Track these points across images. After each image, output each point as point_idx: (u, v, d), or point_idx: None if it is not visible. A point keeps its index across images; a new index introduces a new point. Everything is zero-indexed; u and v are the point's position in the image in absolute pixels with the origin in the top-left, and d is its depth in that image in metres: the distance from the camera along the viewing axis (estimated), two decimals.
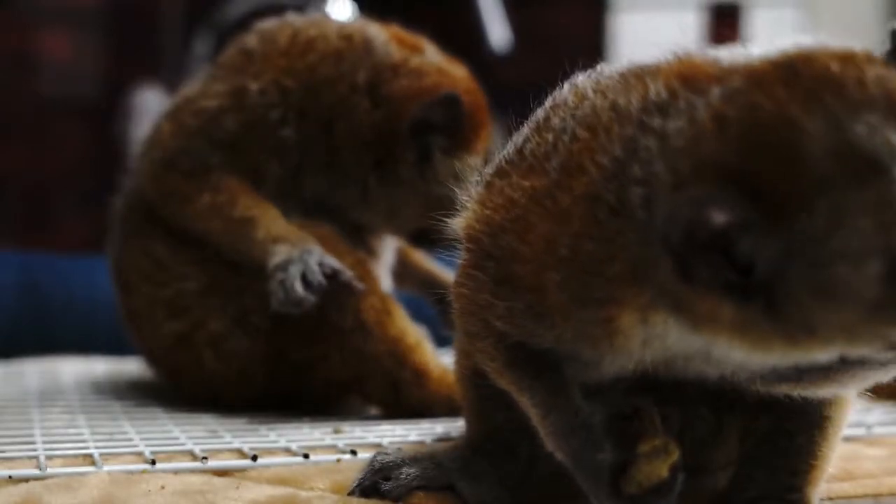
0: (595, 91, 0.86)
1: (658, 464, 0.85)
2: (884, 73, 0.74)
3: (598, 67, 0.93)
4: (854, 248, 0.70)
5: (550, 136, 0.87)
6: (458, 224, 0.94)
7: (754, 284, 0.73)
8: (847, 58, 0.75)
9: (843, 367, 0.80)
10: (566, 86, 0.93)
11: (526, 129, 0.93)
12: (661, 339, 0.81)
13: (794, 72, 0.74)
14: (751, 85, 0.75)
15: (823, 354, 0.77)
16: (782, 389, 0.87)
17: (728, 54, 0.81)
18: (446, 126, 1.51)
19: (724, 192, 0.71)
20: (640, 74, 0.85)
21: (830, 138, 0.70)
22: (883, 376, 0.84)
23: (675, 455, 0.85)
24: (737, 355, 0.79)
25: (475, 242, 0.90)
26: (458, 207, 0.95)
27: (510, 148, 0.93)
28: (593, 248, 0.80)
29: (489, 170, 0.95)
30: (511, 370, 0.92)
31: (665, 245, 0.73)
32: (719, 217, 0.71)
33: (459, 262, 0.94)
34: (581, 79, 0.92)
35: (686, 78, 0.80)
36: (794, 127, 0.71)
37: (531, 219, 0.85)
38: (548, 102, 0.93)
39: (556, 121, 0.88)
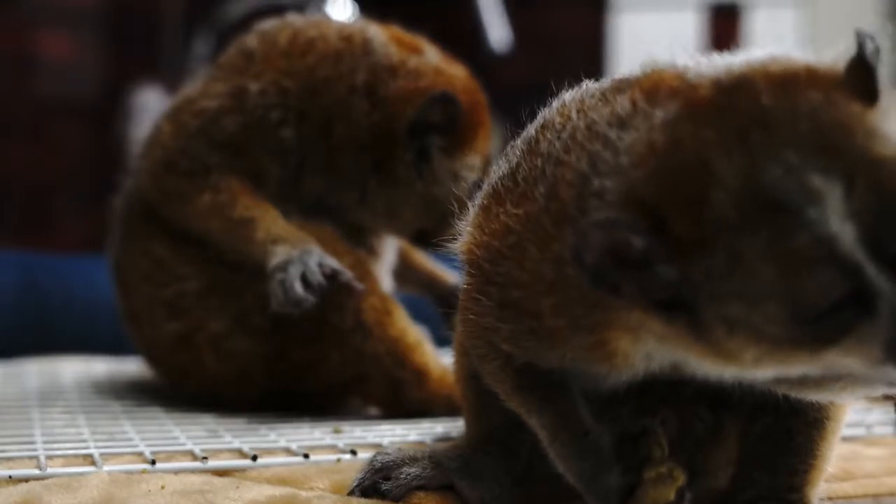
0: (578, 112, 0.87)
1: (664, 489, 0.86)
2: (822, 101, 0.72)
3: (585, 84, 0.93)
4: (752, 291, 0.71)
5: (539, 162, 0.88)
6: (458, 248, 0.95)
7: (676, 304, 0.74)
8: (785, 83, 0.74)
9: (826, 379, 0.81)
10: (554, 104, 0.93)
11: (518, 151, 0.93)
12: (658, 353, 0.82)
13: (727, 102, 0.74)
14: (683, 115, 0.75)
15: (758, 374, 0.78)
16: (783, 391, 0.88)
17: (697, 65, 0.80)
18: (443, 125, 1.51)
19: (636, 218, 0.72)
20: (616, 89, 0.85)
21: (740, 184, 0.71)
22: (870, 391, 0.84)
23: (681, 480, 0.87)
24: (697, 366, 0.80)
25: (477, 268, 0.91)
26: (457, 231, 0.96)
27: (505, 169, 0.94)
28: (573, 272, 0.80)
29: (486, 191, 0.96)
30: (520, 393, 0.94)
31: (577, 261, 0.74)
32: (637, 240, 0.72)
33: (463, 285, 0.95)
34: (568, 97, 0.92)
35: (649, 92, 0.80)
36: (708, 172, 0.72)
37: (525, 245, 0.86)
38: (537, 122, 0.94)
39: (544, 144, 0.89)
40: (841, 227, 0.69)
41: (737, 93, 0.74)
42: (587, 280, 0.74)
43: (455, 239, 0.96)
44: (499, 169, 0.95)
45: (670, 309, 0.75)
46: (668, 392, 0.93)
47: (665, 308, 0.75)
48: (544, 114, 0.94)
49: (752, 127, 0.72)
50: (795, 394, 0.87)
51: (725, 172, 0.71)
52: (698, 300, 0.73)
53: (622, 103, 0.81)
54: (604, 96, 0.86)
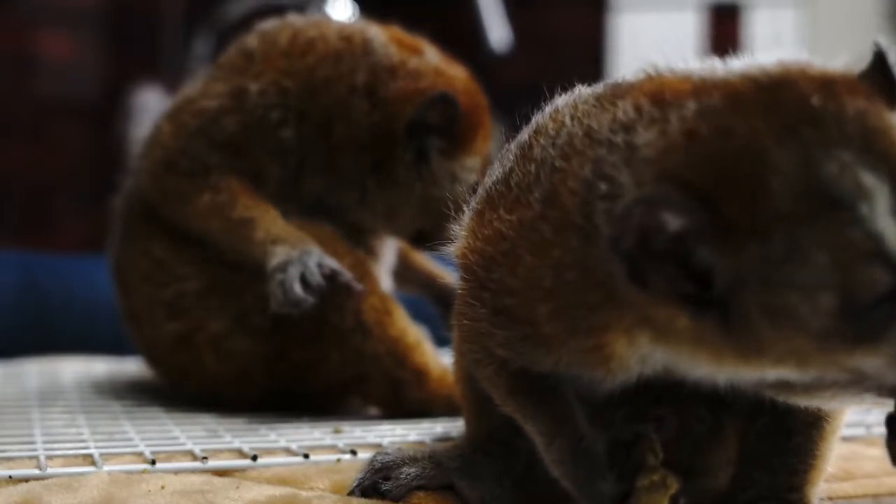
0: (573, 118, 0.87)
1: (657, 497, 0.87)
2: (863, 106, 0.74)
3: (578, 89, 0.93)
4: (807, 281, 0.71)
5: (533, 167, 0.88)
6: (452, 252, 0.95)
7: (710, 298, 0.74)
8: (829, 86, 0.75)
9: (822, 384, 0.81)
10: (547, 109, 0.93)
11: (511, 156, 0.93)
12: (652, 356, 0.82)
13: (774, 98, 0.75)
14: (728, 105, 0.76)
15: (775, 373, 0.78)
16: (772, 395, 0.88)
17: (703, 69, 0.81)
18: (442, 126, 1.51)
19: (682, 197, 0.72)
20: (612, 96, 0.86)
21: (798, 174, 0.72)
22: (860, 400, 0.85)
23: (674, 488, 0.88)
24: (700, 368, 0.80)
25: (470, 273, 0.91)
26: (452, 235, 0.96)
27: (498, 173, 0.94)
28: (572, 276, 0.81)
29: (480, 195, 0.96)
30: (515, 398, 0.94)
31: (615, 248, 0.74)
32: (674, 222, 0.72)
33: (458, 290, 0.95)
34: (561, 102, 0.92)
35: (654, 95, 0.80)
36: (764, 159, 0.72)
37: (519, 252, 0.86)
38: (531, 127, 0.94)
39: (537, 150, 0.89)
40: (888, 225, 0.71)
41: (781, 92, 0.75)
42: (625, 267, 0.74)
43: (451, 242, 0.96)
44: (493, 173, 0.95)
45: (697, 303, 0.75)
46: (665, 393, 0.93)
47: (692, 302, 0.75)
48: (537, 118, 0.94)
49: (804, 124, 0.73)
50: (784, 398, 0.87)
51: (783, 163, 0.72)
52: (741, 289, 0.73)
53: (624, 108, 0.81)
54: (599, 102, 0.86)
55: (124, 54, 4.19)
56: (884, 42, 0.80)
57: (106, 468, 1.09)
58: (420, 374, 1.47)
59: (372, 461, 1.04)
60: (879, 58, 0.79)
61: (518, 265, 0.86)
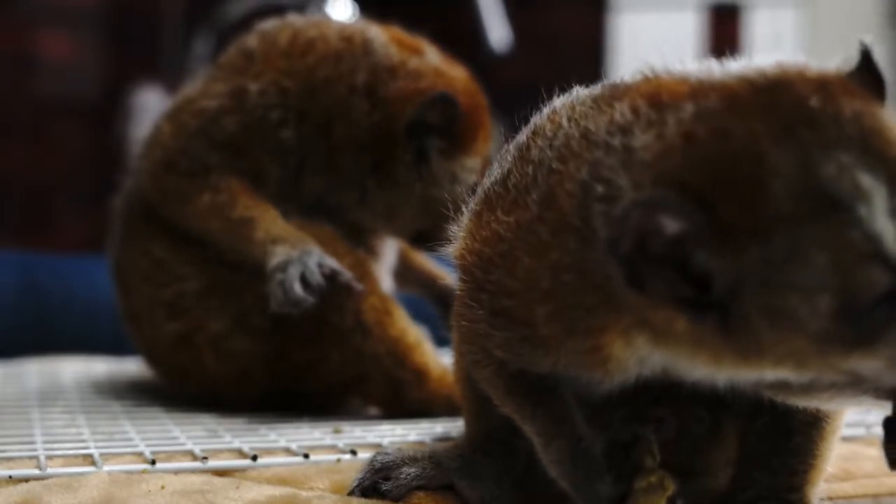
0: (570, 119, 0.87)
1: (654, 498, 0.87)
2: (860, 107, 0.74)
3: (576, 90, 0.93)
4: (807, 283, 0.71)
5: (530, 169, 0.88)
6: (451, 253, 0.95)
7: (708, 301, 0.74)
8: (826, 88, 0.75)
9: (821, 386, 0.81)
10: (545, 111, 0.93)
11: (510, 158, 0.93)
12: (650, 357, 0.82)
13: (771, 100, 0.75)
14: (726, 107, 0.76)
15: (773, 374, 0.79)
16: (771, 396, 0.88)
17: (700, 71, 0.81)
18: (442, 127, 1.51)
19: (680, 200, 0.72)
20: (609, 97, 0.86)
21: (797, 176, 0.72)
22: (857, 402, 0.85)
23: (672, 489, 0.88)
24: (699, 370, 0.80)
25: (469, 274, 0.91)
26: (451, 236, 0.96)
27: (496, 175, 0.94)
28: (570, 278, 0.81)
29: (478, 196, 0.96)
30: (514, 398, 0.94)
31: (612, 251, 0.74)
32: (672, 225, 0.72)
33: (457, 291, 0.95)
34: (559, 103, 0.92)
35: (652, 97, 0.80)
36: (763, 161, 0.72)
37: (517, 254, 0.86)
38: (528, 128, 0.94)
39: (535, 152, 0.89)
40: (886, 225, 0.71)
41: (779, 93, 0.75)
42: (623, 270, 0.74)
43: (449, 243, 0.96)
44: (491, 174, 0.95)
45: (695, 306, 0.75)
46: (664, 394, 0.93)
47: (690, 305, 0.75)
48: (535, 120, 0.94)
49: (801, 125, 0.73)
50: (783, 399, 0.87)
51: (782, 164, 0.72)
52: (740, 291, 0.73)
53: (621, 110, 0.81)
54: (596, 104, 0.86)
55: (124, 54, 4.19)
56: (869, 40, 0.80)
57: (106, 468, 1.09)
58: (420, 374, 1.47)
59: (372, 461, 1.04)
60: (865, 55, 0.80)
61: (516, 267, 0.86)
